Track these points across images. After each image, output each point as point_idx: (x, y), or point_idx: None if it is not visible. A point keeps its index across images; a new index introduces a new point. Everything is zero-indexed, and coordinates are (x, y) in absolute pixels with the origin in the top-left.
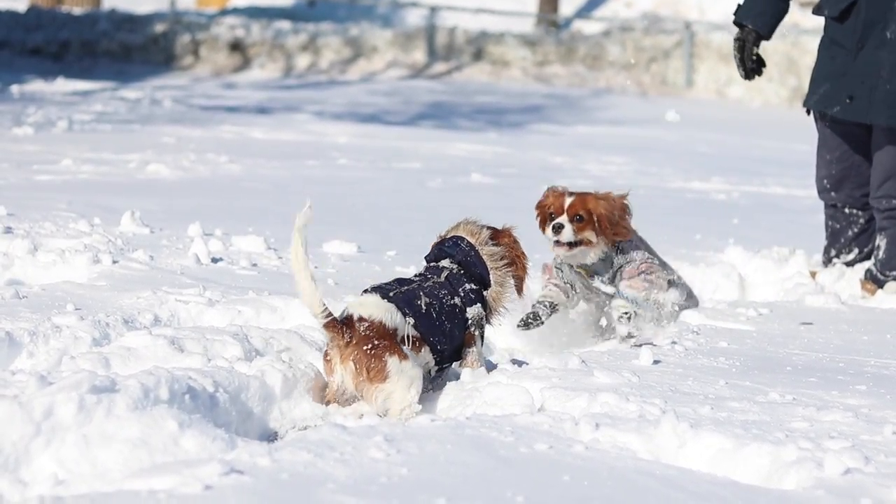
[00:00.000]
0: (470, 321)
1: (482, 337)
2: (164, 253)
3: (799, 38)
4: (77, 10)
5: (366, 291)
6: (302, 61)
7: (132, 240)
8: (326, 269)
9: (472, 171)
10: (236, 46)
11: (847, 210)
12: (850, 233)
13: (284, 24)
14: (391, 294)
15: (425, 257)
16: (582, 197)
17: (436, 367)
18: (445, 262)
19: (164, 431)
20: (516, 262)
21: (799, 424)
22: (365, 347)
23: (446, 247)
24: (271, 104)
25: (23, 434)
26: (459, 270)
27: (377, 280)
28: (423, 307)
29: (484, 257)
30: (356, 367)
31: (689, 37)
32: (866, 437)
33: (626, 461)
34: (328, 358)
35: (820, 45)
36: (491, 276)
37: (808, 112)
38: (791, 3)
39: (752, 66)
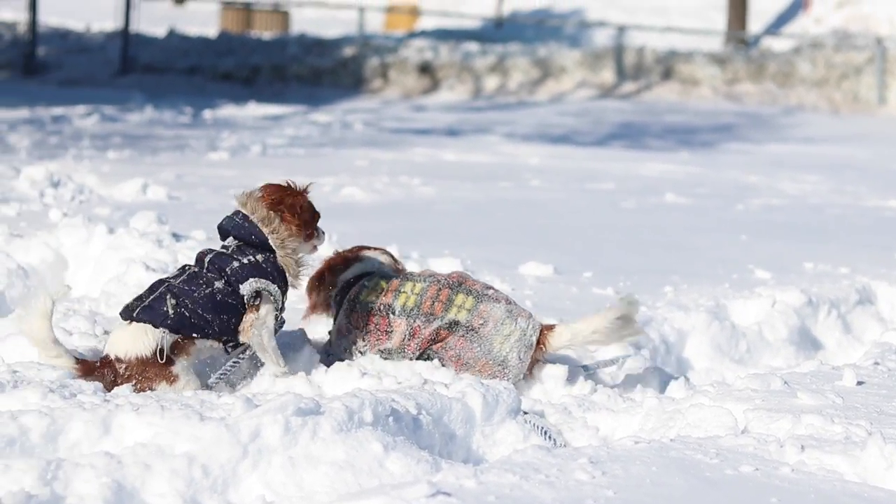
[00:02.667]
0: (247, 297)
1: (277, 302)
2: None
3: None
4: (266, 35)
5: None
6: (490, 83)
7: None
8: (524, 290)
9: (666, 191)
10: (425, 69)
11: None
12: None
13: (472, 46)
14: (136, 314)
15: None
16: None
17: (231, 344)
18: (229, 241)
19: (369, 453)
20: (285, 218)
21: None
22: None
23: (225, 225)
24: (461, 126)
25: (230, 456)
26: (238, 245)
27: (576, 303)
28: (170, 310)
29: (259, 225)
30: None
31: (881, 53)
32: None
33: (833, 483)
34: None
35: None
36: (271, 241)
37: None
38: None
39: None
